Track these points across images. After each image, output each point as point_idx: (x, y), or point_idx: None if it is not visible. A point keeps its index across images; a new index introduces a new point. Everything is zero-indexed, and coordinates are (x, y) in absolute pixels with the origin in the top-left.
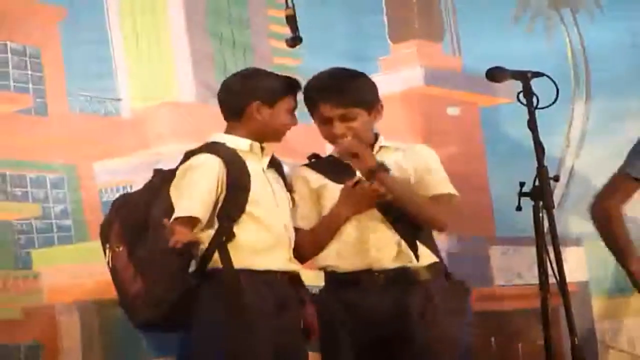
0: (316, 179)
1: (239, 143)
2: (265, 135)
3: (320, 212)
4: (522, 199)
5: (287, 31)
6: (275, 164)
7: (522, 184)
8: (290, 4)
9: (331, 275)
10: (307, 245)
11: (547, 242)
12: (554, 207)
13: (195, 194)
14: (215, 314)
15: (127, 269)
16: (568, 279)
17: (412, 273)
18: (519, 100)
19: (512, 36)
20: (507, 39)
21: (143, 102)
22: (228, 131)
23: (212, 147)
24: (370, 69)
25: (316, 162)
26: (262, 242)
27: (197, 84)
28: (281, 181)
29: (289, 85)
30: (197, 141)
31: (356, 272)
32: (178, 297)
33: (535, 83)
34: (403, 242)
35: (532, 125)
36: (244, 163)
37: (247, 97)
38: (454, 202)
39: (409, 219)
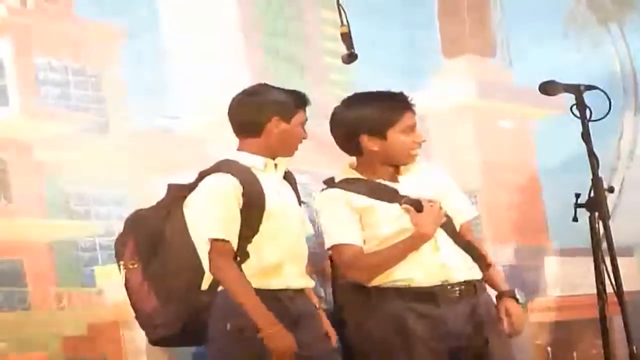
0: (359, 199)
1: (253, 161)
2: (281, 149)
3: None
4: (578, 209)
5: (341, 47)
6: (288, 178)
7: (577, 195)
8: (345, 22)
9: (401, 290)
10: (379, 264)
11: (603, 252)
12: (609, 217)
13: (223, 216)
14: (226, 335)
15: (142, 286)
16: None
17: (476, 286)
18: (572, 112)
19: (563, 50)
20: (558, 52)
21: (203, 119)
22: (241, 148)
23: (226, 166)
24: (423, 83)
25: (345, 184)
26: (273, 260)
27: None
28: (294, 194)
29: (301, 100)
30: None
31: (431, 286)
32: (191, 315)
33: (586, 96)
34: (468, 257)
35: (586, 137)
36: (258, 181)
37: (266, 113)
38: None
39: (455, 229)
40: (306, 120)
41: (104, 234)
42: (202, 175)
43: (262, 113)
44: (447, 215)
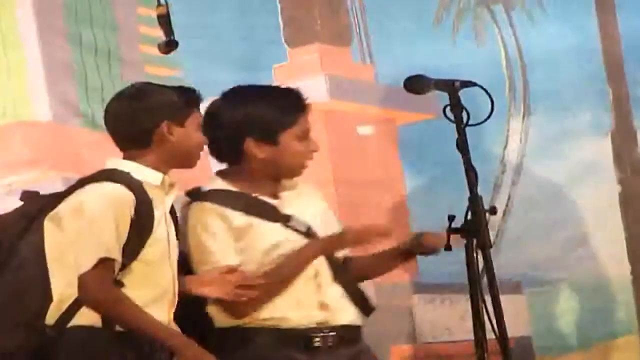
0: (237, 216)
1: (147, 175)
2: (181, 160)
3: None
4: (452, 236)
5: (160, 34)
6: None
7: (451, 218)
8: (162, 1)
9: (272, 331)
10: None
11: (482, 288)
12: (491, 246)
13: (108, 231)
14: None
15: None
16: (508, 334)
17: (358, 332)
18: (445, 115)
19: (435, 40)
20: (430, 43)
21: None
22: (130, 158)
23: (118, 176)
24: (263, 78)
25: (221, 197)
26: (146, 297)
27: (53, 99)
28: (173, 225)
29: (194, 97)
30: (56, 169)
31: (305, 329)
32: (27, 353)
33: (465, 95)
34: (346, 294)
35: (462, 145)
36: (150, 201)
37: (153, 118)
38: None
39: (349, 270)
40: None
41: None
42: (84, 183)
43: (145, 119)
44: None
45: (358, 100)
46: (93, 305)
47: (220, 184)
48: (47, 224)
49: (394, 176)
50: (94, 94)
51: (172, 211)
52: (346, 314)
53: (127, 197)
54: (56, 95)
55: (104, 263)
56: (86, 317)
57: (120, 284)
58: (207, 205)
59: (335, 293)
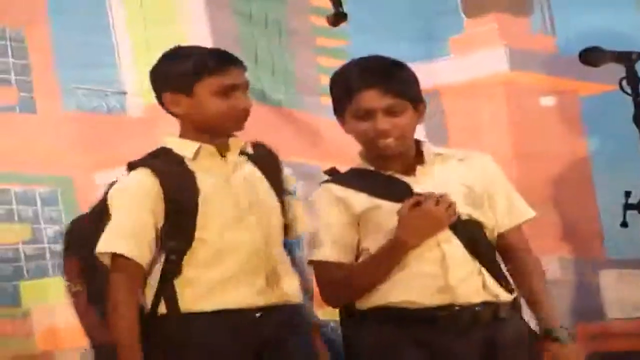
0: (359, 199)
1: (185, 148)
2: (205, 129)
3: (360, 242)
4: (629, 212)
5: (330, 6)
6: (258, 159)
7: (628, 194)
8: None
9: (396, 312)
10: (350, 284)
11: None
12: None
13: (121, 224)
14: None
15: (87, 314)
16: None
17: (498, 310)
18: (621, 88)
19: (618, 8)
20: (614, 11)
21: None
22: (180, 132)
23: (152, 159)
24: (439, 51)
25: (345, 177)
26: (218, 273)
27: None
28: (264, 183)
29: (210, 61)
30: None
31: (431, 308)
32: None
33: None
34: (486, 272)
35: (638, 119)
36: (190, 176)
37: (157, 89)
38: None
39: (488, 242)
40: (233, 84)
41: (31, 241)
42: (129, 169)
43: (155, 89)
44: (468, 220)
45: (539, 71)
46: None
47: (358, 162)
48: None
49: (577, 150)
50: (263, 67)
51: (271, 167)
52: (477, 291)
53: (147, 186)
54: None
55: (117, 260)
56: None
57: (179, 269)
58: (327, 187)
59: (463, 268)
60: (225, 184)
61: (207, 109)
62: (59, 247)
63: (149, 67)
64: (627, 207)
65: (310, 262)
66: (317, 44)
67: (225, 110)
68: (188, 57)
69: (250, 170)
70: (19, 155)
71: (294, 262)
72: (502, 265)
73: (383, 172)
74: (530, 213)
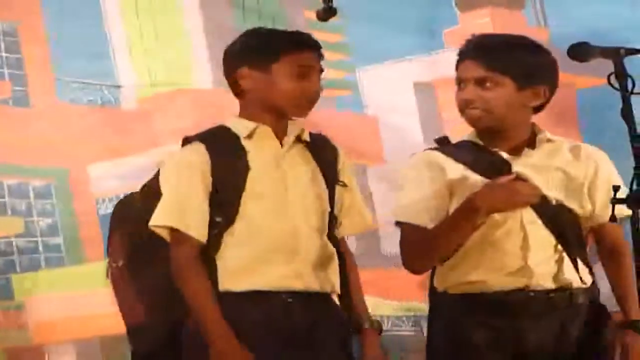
0: (454, 167)
1: (241, 127)
2: (274, 109)
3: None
4: (617, 206)
5: None
6: (314, 147)
7: (616, 188)
8: None
9: (466, 297)
10: (424, 247)
11: None
12: None
13: (172, 198)
14: (199, 354)
15: (127, 290)
16: None
17: (572, 297)
18: (609, 83)
19: (612, 1)
20: (606, 4)
21: (150, 90)
22: (240, 112)
23: (207, 134)
24: (434, 43)
25: (450, 147)
26: (252, 252)
27: (214, 66)
28: (313, 171)
29: (289, 41)
30: None
31: (504, 292)
32: (177, 328)
33: (637, 61)
34: (566, 257)
35: (627, 114)
36: (242, 153)
37: (233, 64)
38: None
39: (576, 230)
40: (313, 66)
41: (24, 234)
42: (183, 144)
43: (228, 65)
44: (558, 205)
45: None
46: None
47: (468, 136)
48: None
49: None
50: None
51: (326, 155)
52: (553, 276)
53: (198, 159)
54: (218, 61)
55: (171, 233)
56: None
57: (220, 244)
58: (428, 154)
59: (542, 250)
60: (276, 165)
61: (281, 88)
62: (52, 240)
63: (144, 58)
64: (616, 201)
65: (397, 224)
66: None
67: (298, 91)
68: (269, 35)
69: (305, 157)
70: (12, 149)
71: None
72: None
73: (490, 149)
74: (627, 211)
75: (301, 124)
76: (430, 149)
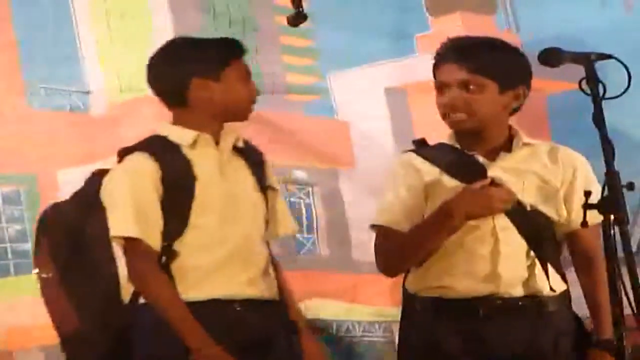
0: (429, 170)
1: (182, 136)
2: (226, 115)
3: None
4: (589, 211)
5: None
6: (248, 155)
7: (587, 194)
8: None
9: (435, 301)
10: (398, 250)
11: (620, 265)
12: (628, 222)
13: (129, 208)
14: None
15: (58, 300)
16: None
17: (542, 304)
18: (580, 88)
19: (583, 5)
20: (577, 8)
21: (119, 95)
22: (175, 121)
23: (147, 144)
24: (405, 49)
25: (427, 150)
26: (209, 262)
27: None
28: (251, 177)
29: (232, 48)
30: None
31: (472, 297)
32: (114, 336)
33: (608, 66)
34: (537, 264)
35: (598, 119)
36: (187, 162)
37: (183, 75)
38: None
39: (550, 236)
40: (249, 72)
41: None
42: (121, 156)
43: (179, 76)
44: (533, 211)
45: None
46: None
47: (446, 139)
48: (103, 199)
49: None
50: None
51: (257, 161)
52: (522, 283)
53: (148, 168)
54: None
55: (130, 242)
56: None
57: (173, 254)
58: (406, 156)
59: (512, 257)
60: (220, 173)
61: (235, 94)
62: (21, 246)
63: (112, 62)
64: (587, 207)
65: (373, 226)
66: (282, 43)
67: (247, 95)
68: (212, 43)
69: (240, 163)
70: None
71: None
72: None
73: (466, 152)
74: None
75: (234, 130)
76: (408, 150)
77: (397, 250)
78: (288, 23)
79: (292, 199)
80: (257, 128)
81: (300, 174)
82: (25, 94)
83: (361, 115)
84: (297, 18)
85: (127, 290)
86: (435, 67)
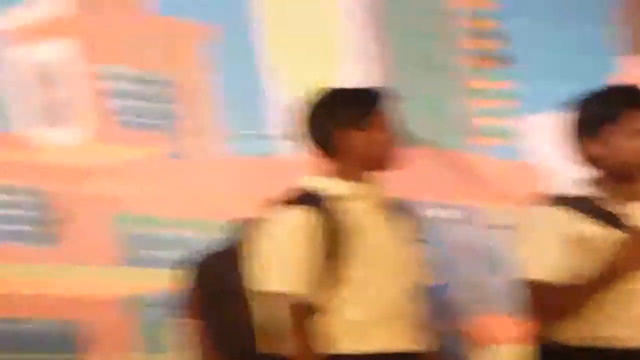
0: (579, 223)
1: (335, 188)
2: (370, 164)
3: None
4: None
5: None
6: (397, 207)
7: None
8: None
9: (602, 351)
10: (558, 306)
11: None
12: None
13: (290, 262)
14: None
15: (207, 350)
16: None
17: None
18: None
19: None
20: None
21: None
22: (326, 172)
23: (308, 198)
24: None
25: (573, 201)
26: (359, 317)
27: None
28: (404, 230)
29: (372, 98)
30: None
31: (633, 348)
32: None
33: None
34: None
35: None
36: (343, 215)
37: (330, 126)
38: None
39: None
40: (389, 120)
41: None
42: (276, 208)
43: (326, 126)
44: None
45: None
46: None
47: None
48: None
49: None
50: (416, 106)
51: (406, 214)
52: None
53: (312, 220)
54: None
55: (287, 299)
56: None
57: (326, 308)
58: (553, 210)
59: None
60: (376, 227)
61: (376, 143)
62: None
63: (301, 109)
64: None
65: (526, 282)
66: (472, 86)
67: (366, 143)
68: (356, 93)
69: (394, 216)
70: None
71: (439, 305)
72: None
73: (610, 201)
74: None
75: (378, 181)
76: (552, 202)
77: (558, 304)
78: (491, 65)
79: None
80: (453, 171)
81: None
82: (219, 140)
83: (548, 159)
84: (503, 60)
85: (262, 341)
86: (629, 112)
